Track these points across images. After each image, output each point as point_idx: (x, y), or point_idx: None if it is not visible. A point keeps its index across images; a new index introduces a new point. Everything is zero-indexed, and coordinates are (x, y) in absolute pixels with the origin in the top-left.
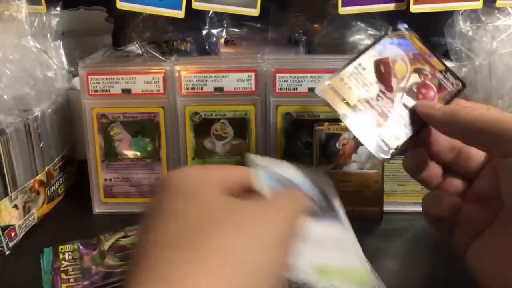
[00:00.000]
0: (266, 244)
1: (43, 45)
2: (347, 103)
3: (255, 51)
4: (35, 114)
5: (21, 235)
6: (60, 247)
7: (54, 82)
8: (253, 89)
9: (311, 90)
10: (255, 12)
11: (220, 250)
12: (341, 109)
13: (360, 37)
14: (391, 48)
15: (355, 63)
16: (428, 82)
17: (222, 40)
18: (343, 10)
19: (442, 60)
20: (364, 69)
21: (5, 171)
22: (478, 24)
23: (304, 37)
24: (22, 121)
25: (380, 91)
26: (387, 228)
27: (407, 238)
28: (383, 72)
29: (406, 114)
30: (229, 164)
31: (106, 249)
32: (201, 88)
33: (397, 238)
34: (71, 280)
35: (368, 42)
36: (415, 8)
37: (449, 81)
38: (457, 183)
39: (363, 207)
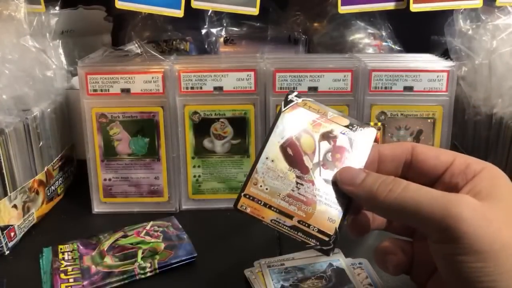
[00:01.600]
0: None
1: (42, 44)
2: (270, 207)
3: (255, 50)
4: (34, 114)
5: (21, 235)
6: (60, 247)
7: (53, 81)
8: (253, 88)
9: (311, 89)
10: (254, 11)
11: None
12: (268, 216)
13: (360, 36)
14: (290, 125)
15: (262, 159)
16: (339, 144)
17: (221, 39)
18: (342, 9)
19: (343, 114)
20: (273, 161)
21: (4, 171)
22: (478, 23)
23: (303, 36)
24: (21, 121)
25: (297, 177)
26: None
27: None
28: (292, 155)
29: (330, 190)
30: (228, 163)
31: (105, 249)
32: (201, 88)
33: None
34: (71, 280)
35: (367, 41)
36: (415, 7)
37: (360, 131)
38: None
39: None
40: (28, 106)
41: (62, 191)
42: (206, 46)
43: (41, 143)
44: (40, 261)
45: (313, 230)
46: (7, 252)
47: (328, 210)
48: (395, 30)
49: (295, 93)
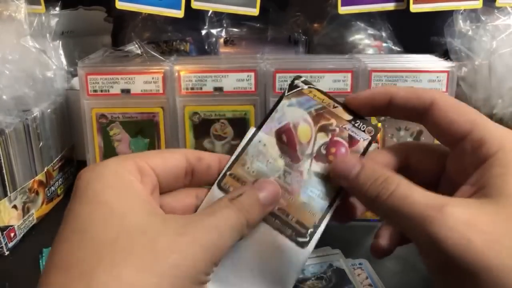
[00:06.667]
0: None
1: (42, 45)
2: None
3: (255, 51)
4: (34, 114)
5: (20, 236)
6: None
7: (53, 82)
8: (253, 89)
9: None
10: (254, 11)
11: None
12: None
13: (360, 37)
14: (291, 111)
15: (254, 141)
16: (336, 138)
17: (221, 40)
18: (342, 10)
19: (349, 108)
20: (265, 145)
21: (4, 171)
22: (478, 24)
23: (303, 37)
24: (21, 121)
25: (286, 165)
26: None
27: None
28: (286, 142)
29: (319, 183)
30: None
31: None
32: (201, 88)
33: None
34: None
35: (367, 41)
36: (414, 8)
37: (361, 129)
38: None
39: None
40: (28, 107)
41: (62, 191)
42: (206, 47)
43: (41, 144)
44: (40, 261)
45: (291, 220)
46: (7, 253)
47: (311, 203)
48: (395, 30)
49: (303, 79)
